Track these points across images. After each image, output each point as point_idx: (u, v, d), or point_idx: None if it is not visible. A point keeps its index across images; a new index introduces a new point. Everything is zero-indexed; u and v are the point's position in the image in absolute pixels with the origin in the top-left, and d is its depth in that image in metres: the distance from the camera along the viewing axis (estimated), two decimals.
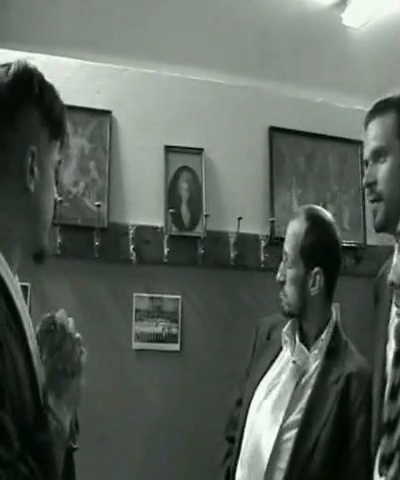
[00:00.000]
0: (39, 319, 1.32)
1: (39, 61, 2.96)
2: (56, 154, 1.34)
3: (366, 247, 3.31)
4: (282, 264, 2.18)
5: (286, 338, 2.15)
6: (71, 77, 3.05)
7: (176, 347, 2.92)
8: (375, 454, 1.65)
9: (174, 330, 2.92)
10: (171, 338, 2.91)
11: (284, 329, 2.17)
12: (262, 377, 2.14)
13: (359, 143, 3.37)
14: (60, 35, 3.08)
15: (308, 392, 2.03)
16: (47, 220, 1.34)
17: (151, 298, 2.93)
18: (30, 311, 1.29)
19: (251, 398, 2.12)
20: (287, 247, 2.15)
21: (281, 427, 2.00)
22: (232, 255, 3.05)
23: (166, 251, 2.96)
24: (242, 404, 2.18)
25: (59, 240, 2.83)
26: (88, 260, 2.87)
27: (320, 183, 3.32)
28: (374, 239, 3.30)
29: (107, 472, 2.70)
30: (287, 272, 2.14)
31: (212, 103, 3.22)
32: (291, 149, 3.29)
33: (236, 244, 3.06)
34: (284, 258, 2.17)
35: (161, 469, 2.76)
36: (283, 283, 2.16)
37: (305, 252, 2.11)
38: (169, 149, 3.10)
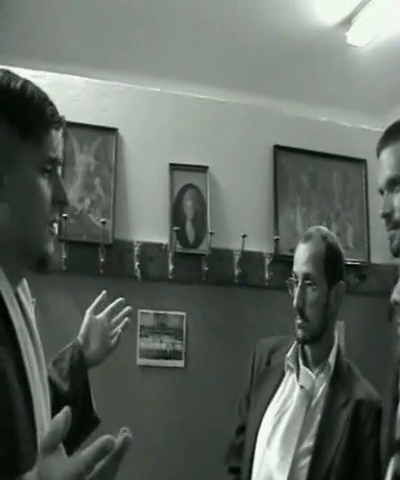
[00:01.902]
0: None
1: (46, 79, 3.04)
2: (36, 154, 1.24)
3: (370, 265, 3.32)
4: (298, 289, 2.09)
5: (290, 364, 2.13)
6: (78, 95, 3.08)
7: (180, 364, 2.92)
8: (384, 472, 1.64)
9: (178, 347, 2.93)
10: (175, 355, 2.92)
11: (288, 355, 2.14)
12: (267, 405, 2.10)
13: (363, 162, 3.40)
14: (67, 54, 3.12)
15: (318, 417, 2.01)
16: (36, 225, 1.26)
17: (156, 315, 2.94)
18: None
19: (258, 428, 2.07)
20: (307, 268, 2.09)
21: (295, 455, 1.97)
22: (236, 273, 3.06)
23: (171, 268, 2.98)
24: (247, 434, 2.13)
25: (64, 256, 2.84)
26: (93, 276, 2.88)
27: (324, 201, 3.34)
28: (378, 257, 3.31)
29: None
30: (308, 295, 2.09)
31: (217, 121, 3.25)
32: (295, 167, 3.31)
33: (240, 262, 3.07)
34: (301, 283, 2.09)
35: None
36: (302, 309, 2.09)
37: (329, 269, 2.09)
38: (174, 167, 3.13)
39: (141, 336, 2.90)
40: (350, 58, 3.41)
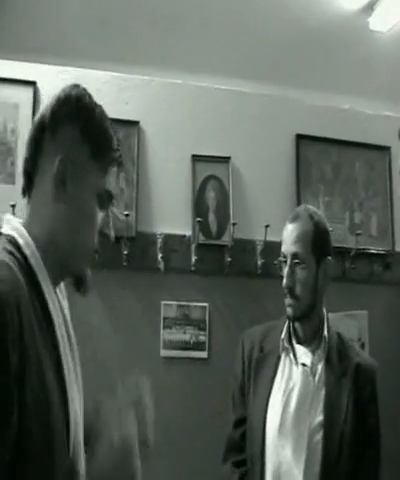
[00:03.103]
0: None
1: (70, 74, 3.07)
2: (99, 179, 1.31)
3: (394, 254, 3.29)
4: (287, 269, 2.16)
5: (286, 344, 2.18)
6: (100, 89, 3.10)
7: (204, 354, 2.94)
8: None
9: (202, 338, 2.95)
10: (199, 345, 2.94)
11: (282, 336, 2.20)
12: (270, 390, 2.13)
13: (387, 149, 3.37)
14: (89, 48, 3.13)
15: (323, 391, 2.08)
16: (83, 244, 1.31)
17: (179, 306, 2.95)
18: None
19: (265, 413, 2.10)
20: (295, 248, 2.15)
21: (309, 430, 2.03)
22: (259, 263, 3.06)
23: (193, 259, 2.99)
24: (252, 423, 2.15)
25: None
26: (116, 269, 2.91)
27: (347, 190, 3.31)
28: None
29: None
30: (297, 274, 2.15)
31: (239, 112, 3.25)
32: (318, 156, 3.29)
33: (263, 252, 3.06)
34: (289, 262, 2.16)
35: (191, 475, 2.78)
36: (292, 288, 2.15)
37: (317, 248, 2.16)
38: (196, 158, 3.13)
39: (164, 327, 2.92)
40: (372, 44, 3.36)
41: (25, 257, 1.23)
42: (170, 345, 2.91)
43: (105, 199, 1.32)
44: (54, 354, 1.23)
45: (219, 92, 3.24)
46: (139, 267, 2.94)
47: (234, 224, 3.02)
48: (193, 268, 2.99)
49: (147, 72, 3.21)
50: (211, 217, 3.09)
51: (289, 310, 2.17)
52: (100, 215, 1.32)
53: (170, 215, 3.06)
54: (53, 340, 1.23)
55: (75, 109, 1.31)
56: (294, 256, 2.15)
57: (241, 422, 2.23)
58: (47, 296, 1.24)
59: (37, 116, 1.34)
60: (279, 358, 2.18)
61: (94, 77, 3.11)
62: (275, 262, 2.27)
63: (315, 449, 2.01)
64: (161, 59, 3.23)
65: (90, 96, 1.36)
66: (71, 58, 3.09)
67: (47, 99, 3.12)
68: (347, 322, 3.04)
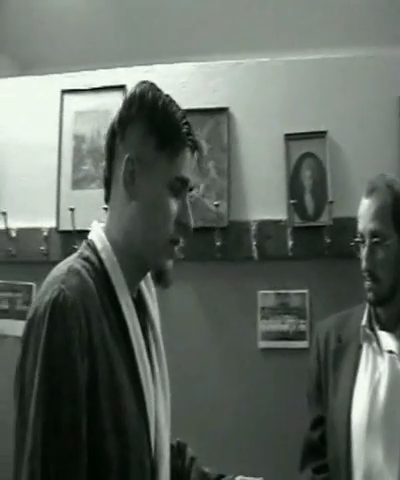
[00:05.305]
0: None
1: (156, 71, 3.08)
2: (168, 166, 1.30)
3: None
4: (366, 250, 1.98)
5: (368, 331, 1.98)
6: (188, 81, 3.08)
7: (305, 344, 2.74)
8: None
9: (302, 326, 2.76)
10: (299, 335, 2.75)
11: (362, 323, 2.01)
12: (354, 383, 1.94)
13: None
14: (173, 43, 3.13)
15: None
16: (157, 237, 1.30)
17: (276, 294, 2.80)
18: None
19: (349, 408, 1.91)
20: (374, 225, 1.96)
21: None
22: None
23: (290, 244, 2.81)
24: (334, 420, 1.96)
25: (181, 245, 2.84)
26: (210, 261, 2.85)
27: None
28: None
29: None
30: (378, 254, 1.96)
31: (333, 81, 2.98)
32: None
33: None
34: (368, 242, 1.97)
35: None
36: (372, 271, 1.98)
37: (399, 221, 1.96)
38: (289, 137, 2.94)
39: (262, 318, 2.79)
40: None
41: (101, 261, 1.27)
42: (268, 336, 2.77)
43: (178, 187, 1.30)
44: (130, 360, 1.24)
45: (310, 63, 3.01)
46: (233, 257, 2.85)
47: (331, 202, 2.79)
48: (290, 253, 2.81)
49: (233, 57, 3.10)
50: (307, 197, 2.88)
51: (370, 295, 2.00)
52: (176, 204, 1.30)
53: (264, 200, 2.92)
54: (129, 346, 1.25)
55: (139, 106, 1.31)
56: (373, 234, 1.97)
57: (319, 422, 2.06)
58: (122, 301, 1.26)
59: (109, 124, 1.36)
60: (360, 348, 2.00)
61: (180, 71, 3.09)
62: (351, 243, 2.11)
63: None
64: (247, 41, 3.13)
65: (155, 89, 1.35)
66: (155, 56, 3.10)
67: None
68: None
